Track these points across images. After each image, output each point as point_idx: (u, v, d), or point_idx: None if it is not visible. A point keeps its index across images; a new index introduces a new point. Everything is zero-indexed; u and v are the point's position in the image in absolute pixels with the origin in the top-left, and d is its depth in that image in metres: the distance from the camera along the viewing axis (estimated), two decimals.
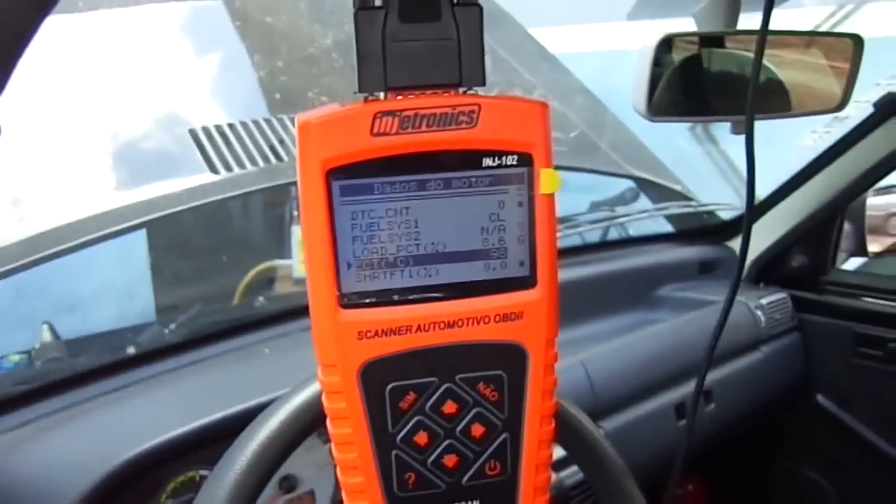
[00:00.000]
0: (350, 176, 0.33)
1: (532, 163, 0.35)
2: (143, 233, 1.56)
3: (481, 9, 0.35)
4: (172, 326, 1.26)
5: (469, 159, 0.34)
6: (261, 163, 1.24)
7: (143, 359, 1.05)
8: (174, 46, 1.61)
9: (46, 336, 1.22)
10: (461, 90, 0.35)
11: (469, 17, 0.34)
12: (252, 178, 1.28)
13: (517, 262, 0.36)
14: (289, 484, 0.90)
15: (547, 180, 0.35)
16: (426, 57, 0.34)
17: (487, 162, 0.34)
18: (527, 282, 0.36)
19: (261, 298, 1.40)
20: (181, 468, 0.85)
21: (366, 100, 0.34)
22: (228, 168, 1.21)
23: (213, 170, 1.20)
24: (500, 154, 0.34)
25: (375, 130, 0.33)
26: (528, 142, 0.35)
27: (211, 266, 1.73)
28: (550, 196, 0.35)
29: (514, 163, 0.35)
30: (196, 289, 1.65)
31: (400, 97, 0.34)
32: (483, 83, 0.35)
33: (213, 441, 0.82)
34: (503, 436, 0.37)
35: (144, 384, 0.98)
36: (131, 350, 1.14)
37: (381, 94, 0.34)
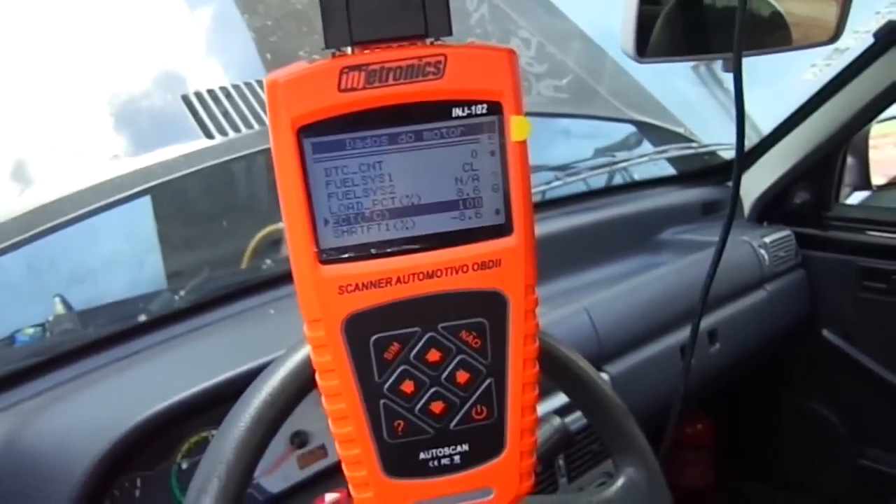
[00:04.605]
0: (321, 133, 0.33)
1: (502, 111, 0.35)
2: (147, 201, 1.56)
3: None
4: (182, 293, 1.27)
5: (438, 110, 0.34)
6: (256, 125, 1.24)
7: (153, 325, 1.06)
8: (166, 8, 1.59)
9: (59, 308, 1.23)
10: (428, 41, 0.35)
11: None
12: (249, 141, 1.27)
13: (493, 211, 0.36)
14: (300, 440, 0.92)
15: (517, 127, 0.35)
16: (391, 9, 0.34)
17: (457, 112, 0.34)
18: (503, 229, 0.36)
19: (268, 261, 1.41)
20: (194, 429, 0.87)
21: (333, 56, 0.34)
22: (223, 132, 1.20)
23: (208, 135, 1.20)
24: (469, 104, 0.34)
25: (343, 86, 0.33)
26: (497, 90, 0.35)
27: (216, 231, 1.73)
28: (522, 143, 0.35)
29: (484, 112, 0.35)
30: (203, 254, 1.65)
31: (367, 51, 0.34)
32: (450, 33, 0.35)
33: (223, 401, 0.83)
34: (488, 381, 0.38)
35: (154, 349, 1.00)
36: (142, 317, 1.15)
37: (349, 49, 0.34)
